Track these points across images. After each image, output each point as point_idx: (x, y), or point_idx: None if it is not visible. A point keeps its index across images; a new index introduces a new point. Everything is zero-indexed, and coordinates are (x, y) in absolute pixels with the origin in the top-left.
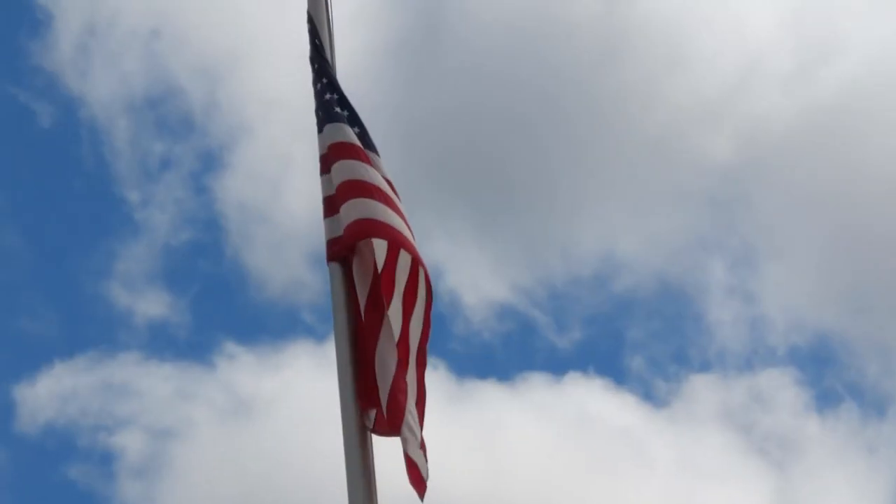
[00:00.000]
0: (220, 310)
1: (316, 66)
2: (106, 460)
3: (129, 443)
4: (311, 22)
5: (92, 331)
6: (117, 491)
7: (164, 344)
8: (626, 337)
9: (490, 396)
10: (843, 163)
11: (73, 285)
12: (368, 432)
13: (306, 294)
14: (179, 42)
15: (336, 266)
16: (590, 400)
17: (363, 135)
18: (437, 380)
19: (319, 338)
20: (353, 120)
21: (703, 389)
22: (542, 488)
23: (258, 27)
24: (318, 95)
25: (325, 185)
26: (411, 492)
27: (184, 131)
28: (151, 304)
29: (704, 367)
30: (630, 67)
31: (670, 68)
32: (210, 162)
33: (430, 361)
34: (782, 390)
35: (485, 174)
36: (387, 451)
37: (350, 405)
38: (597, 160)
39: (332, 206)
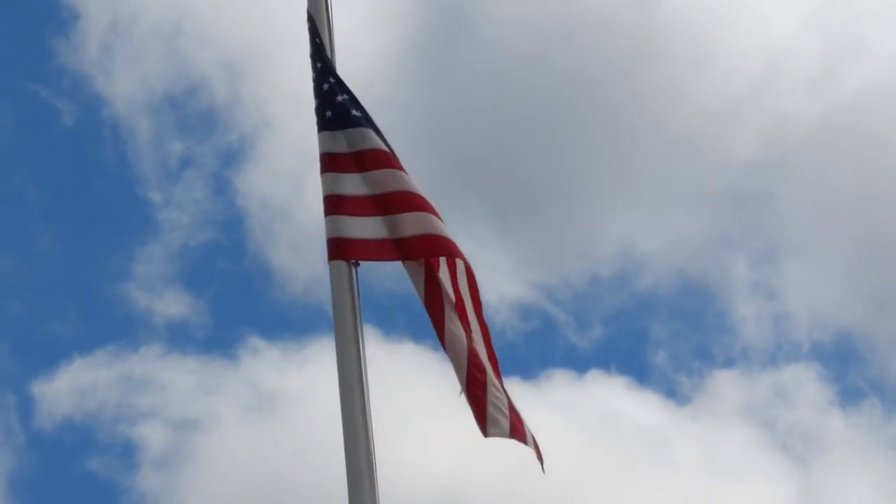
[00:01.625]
0: (244, 306)
1: (318, 64)
2: (127, 452)
3: (152, 435)
4: (312, 21)
5: (114, 329)
6: (139, 482)
7: (187, 339)
8: (648, 334)
9: (513, 395)
10: (865, 162)
11: (94, 286)
12: (370, 433)
13: (328, 296)
14: (202, 38)
15: (339, 264)
16: (612, 398)
17: (383, 138)
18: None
19: None
20: (370, 123)
21: (726, 385)
22: (565, 487)
23: (280, 22)
24: (326, 94)
25: (329, 183)
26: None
27: (207, 128)
28: (175, 302)
29: (728, 363)
30: (654, 68)
31: (694, 68)
32: (233, 159)
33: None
34: (805, 386)
35: (506, 174)
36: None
37: (351, 404)
38: (619, 159)
39: (361, 207)
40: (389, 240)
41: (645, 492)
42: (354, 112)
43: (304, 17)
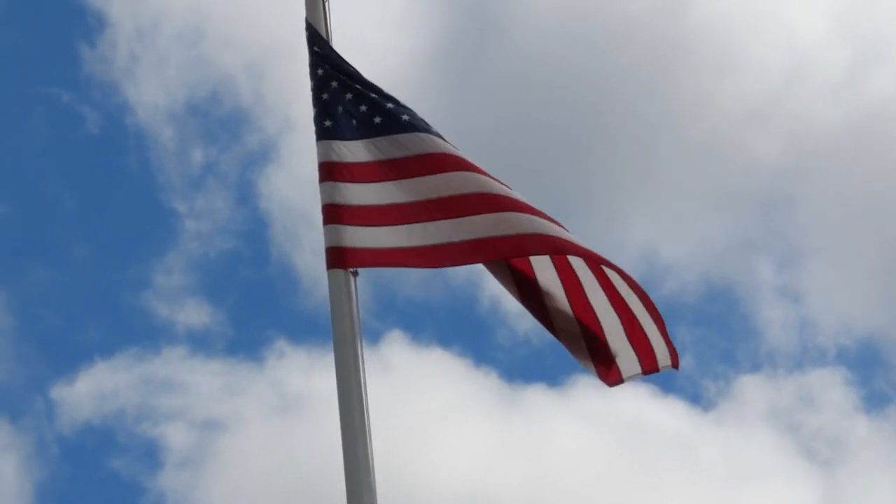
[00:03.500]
0: (269, 310)
1: (319, 72)
2: (152, 452)
3: (176, 435)
4: (311, 29)
5: (138, 336)
6: (163, 482)
7: (213, 341)
8: (675, 339)
9: (538, 402)
10: (888, 166)
11: (118, 296)
12: (368, 435)
13: (358, 299)
14: (224, 41)
15: (337, 273)
16: (637, 404)
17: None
18: (487, 386)
19: (372, 340)
20: (405, 124)
21: (751, 390)
22: (589, 493)
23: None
24: (325, 104)
25: (328, 192)
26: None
27: (230, 133)
28: (200, 309)
29: (753, 367)
30: (680, 74)
31: (719, 74)
32: (257, 163)
33: (481, 369)
34: (830, 390)
35: (529, 179)
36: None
37: (350, 408)
38: (643, 165)
39: (376, 215)
40: (412, 248)
41: (670, 497)
42: (378, 119)
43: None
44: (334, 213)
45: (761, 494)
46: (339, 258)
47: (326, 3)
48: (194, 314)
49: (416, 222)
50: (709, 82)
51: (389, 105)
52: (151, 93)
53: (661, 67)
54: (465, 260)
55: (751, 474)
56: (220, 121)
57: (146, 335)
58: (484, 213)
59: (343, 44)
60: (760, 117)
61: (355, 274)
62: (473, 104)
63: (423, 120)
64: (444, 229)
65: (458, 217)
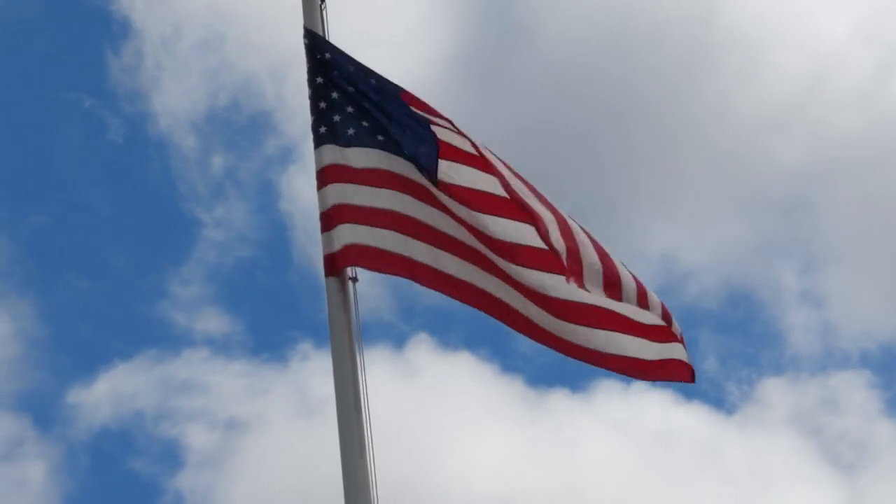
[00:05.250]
0: (294, 313)
1: (319, 80)
2: (174, 452)
3: (198, 435)
4: (311, 36)
5: (162, 342)
6: (183, 481)
7: (240, 342)
8: (697, 344)
9: (562, 408)
10: None
11: (144, 303)
12: (366, 439)
13: (384, 302)
14: (245, 46)
15: (333, 281)
16: (660, 409)
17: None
18: (513, 391)
19: (398, 344)
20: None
21: (774, 394)
22: (614, 498)
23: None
24: (321, 112)
25: (324, 199)
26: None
27: (254, 138)
28: (224, 315)
29: (776, 371)
30: (703, 80)
31: (742, 80)
32: (279, 166)
33: (506, 377)
34: (854, 394)
35: (550, 184)
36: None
37: (347, 413)
38: (664, 170)
39: (375, 217)
40: (415, 261)
41: (693, 500)
42: (381, 137)
43: (345, 17)
44: (330, 220)
45: (784, 498)
46: (335, 265)
47: (324, 9)
48: (213, 320)
49: (422, 241)
50: (732, 88)
51: (393, 128)
52: (175, 99)
53: (684, 73)
54: (462, 299)
55: (774, 478)
56: (243, 125)
57: (168, 339)
58: (485, 270)
59: (366, 47)
60: (782, 122)
61: (354, 280)
62: (496, 109)
63: (427, 150)
64: (450, 261)
65: (462, 259)
